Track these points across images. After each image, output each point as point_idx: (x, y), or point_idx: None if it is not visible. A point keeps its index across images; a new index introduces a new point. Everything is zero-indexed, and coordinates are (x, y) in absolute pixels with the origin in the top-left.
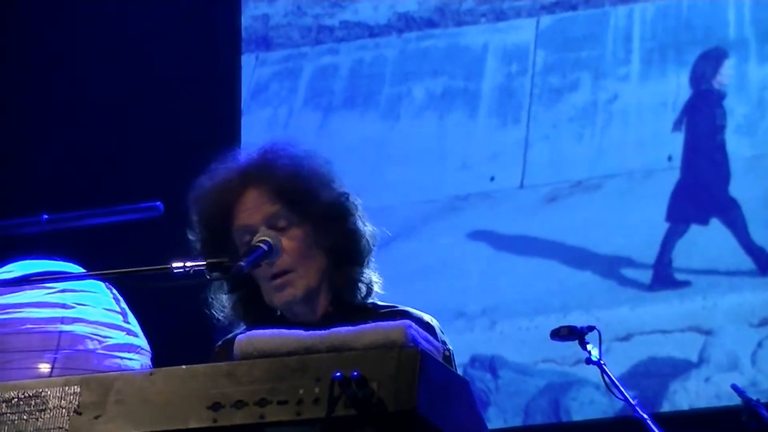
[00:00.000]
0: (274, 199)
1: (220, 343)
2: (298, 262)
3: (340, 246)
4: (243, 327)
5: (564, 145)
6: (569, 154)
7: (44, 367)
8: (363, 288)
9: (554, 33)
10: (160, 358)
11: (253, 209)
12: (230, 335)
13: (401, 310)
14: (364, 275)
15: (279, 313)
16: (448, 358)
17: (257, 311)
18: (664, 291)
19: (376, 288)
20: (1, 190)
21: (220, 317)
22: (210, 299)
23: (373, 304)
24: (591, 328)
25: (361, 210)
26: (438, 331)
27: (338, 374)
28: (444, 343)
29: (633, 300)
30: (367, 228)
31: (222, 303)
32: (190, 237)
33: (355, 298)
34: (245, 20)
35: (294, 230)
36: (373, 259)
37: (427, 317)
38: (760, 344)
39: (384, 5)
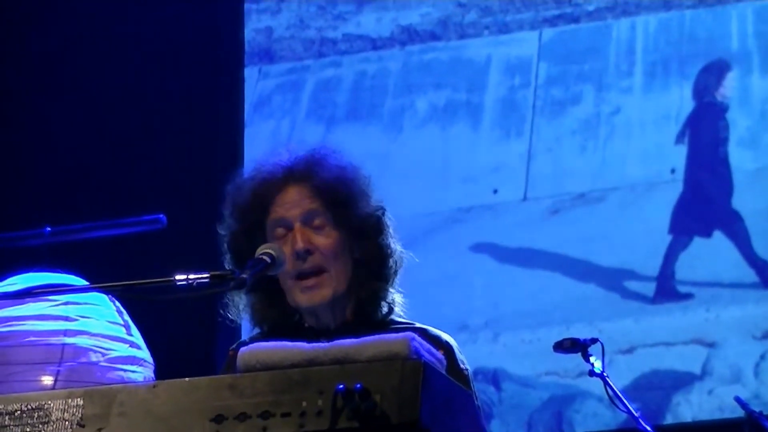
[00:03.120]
0: (315, 198)
1: (234, 346)
2: (331, 262)
3: (369, 260)
4: (257, 330)
5: (567, 158)
6: (572, 167)
7: (47, 380)
8: (385, 306)
9: (557, 46)
10: (163, 371)
11: (292, 204)
12: (245, 339)
13: (418, 328)
14: (388, 293)
15: (297, 317)
16: (466, 378)
17: (275, 314)
18: (667, 303)
19: (397, 308)
20: (4, 203)
21: (235, 319)
22: (226, 300)
23: (391, 320)
24: (594, 341)
25: (393, 229)
26: (456, 351)
27: (341, 386)
28: (462, 362)
29: (636, 312)
30: (396, 247)
31: (240, 304)
32: (220, 230)
33: (377, 314)
34: (248, 33)
35: (329, 230)
36: (398, 281)
37: (445, 336)
38: (763, 357)
39: (387, 18)
